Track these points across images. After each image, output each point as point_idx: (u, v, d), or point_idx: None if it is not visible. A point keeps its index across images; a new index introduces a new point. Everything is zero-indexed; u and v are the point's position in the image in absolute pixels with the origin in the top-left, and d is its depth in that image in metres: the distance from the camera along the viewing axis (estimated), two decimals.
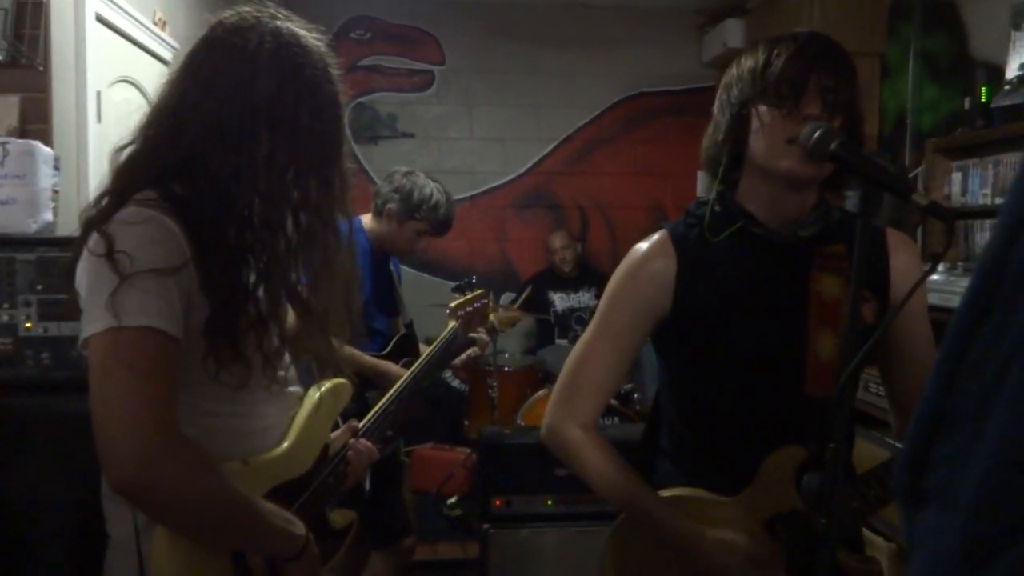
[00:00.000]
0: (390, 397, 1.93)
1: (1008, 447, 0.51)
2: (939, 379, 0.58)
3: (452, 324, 2.53)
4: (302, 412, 1.33)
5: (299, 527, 1.20)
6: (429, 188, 2.59)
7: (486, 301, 2.70)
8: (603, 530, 1.39)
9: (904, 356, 1.32)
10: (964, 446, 0.54)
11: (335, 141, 1.21)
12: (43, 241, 1.79)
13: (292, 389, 1.31)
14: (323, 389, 1.39)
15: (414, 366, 2.23)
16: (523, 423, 3.48)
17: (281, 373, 1.24)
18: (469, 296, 2.65)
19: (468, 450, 3.88)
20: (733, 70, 1.29)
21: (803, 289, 1.27)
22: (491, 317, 3.40)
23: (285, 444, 1.28)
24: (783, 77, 1.19)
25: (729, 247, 1.30)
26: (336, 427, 1.49)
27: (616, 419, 3.39)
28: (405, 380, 2.11)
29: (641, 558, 1.33)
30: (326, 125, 1.19)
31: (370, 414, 1.75)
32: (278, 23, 1.17)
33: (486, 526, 2.58)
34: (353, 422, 1.53)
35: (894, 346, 1.31)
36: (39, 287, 1.72)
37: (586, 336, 1.38)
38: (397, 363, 2.52)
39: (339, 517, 1.44)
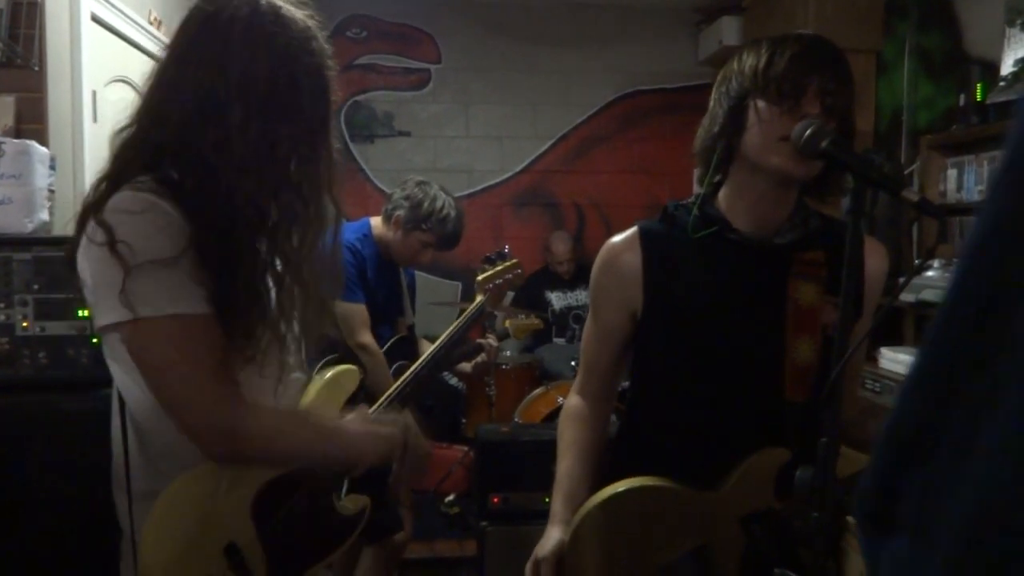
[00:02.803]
0: (406, 378, 1.91)
1: (1001, 477, 0.45)
2: (915, 399, 0.53)
3: (479, 298, 2.46)
4: (306, 398, 1.33)
5: (387, 427, 1.30)
6: (441, 200, 2.57)
7: (520, 271, 2.60)
8: None
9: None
10: (944, 474, 0.49)
11: (317, 115, 1.17)
12: (39, 241, 1.79)
13: (296, 376, 1.29)
14: (328, 375, 1.37)
15: (437, 342, 2.21)
16: (520, 421, 3.48)
17: (289, 359, 1.23)
18: (500, 267, 2.55)
19: (466, 448, 3.89)
20: (733, 65, 1.29)
21: (780, 296, 1.28)
22: (506, 324, 3.39)
23: None
24: (786, 76, 1.20)
25: (704, 249, 1.31)
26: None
27: (612, 416, 3.39)
28: (426, 358, 2.09)
29: (599, 559, 1.32)
30: (305, 98, 1.14)
31: (385, 395, 1.74)
32: None
33: (484, 524, 2.58)
34: (363, 406, 1.48)
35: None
36: (35, 287, 1.72)
37: (586, 322, 1.50)
38: (392, 364, 2.52)
39: (350, 503, 1.42)
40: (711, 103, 1.33)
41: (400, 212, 2.56)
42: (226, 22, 1.12)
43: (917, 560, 0.51)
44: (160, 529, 1.13)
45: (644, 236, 1.35)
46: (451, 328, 2.28)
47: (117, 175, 1.12)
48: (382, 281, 2.60)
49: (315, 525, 1.30)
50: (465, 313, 2.36)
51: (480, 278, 2.52)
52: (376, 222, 2.63)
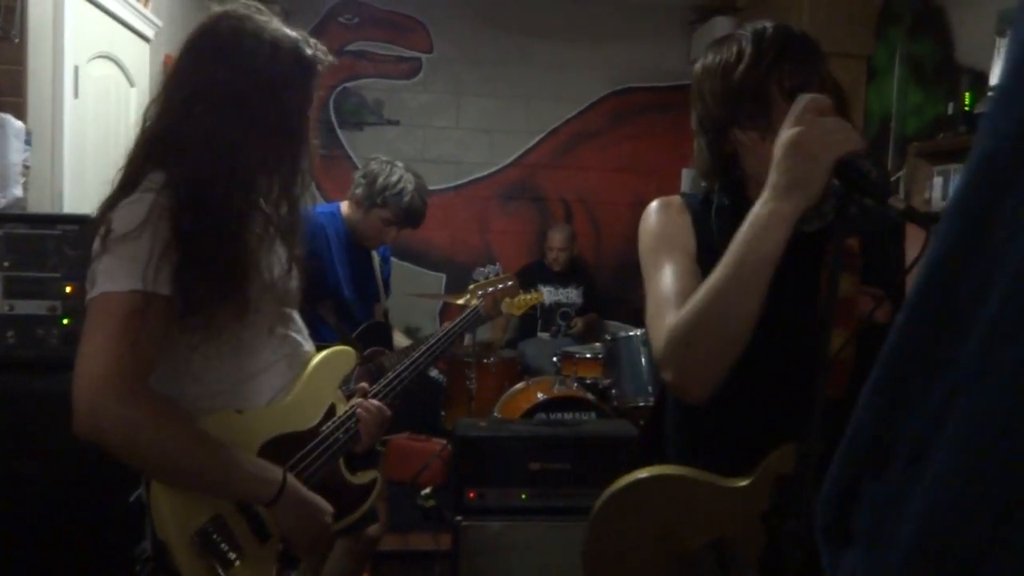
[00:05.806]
0: (407, 365, 1.91)
1: (950, 491, 0.46)
2: (873, 408, 0.52)
3: (474, 303, 2.53)
4: (304, 372, 1.44)
5: (274, 472, 1.28)
6: (397, 175, 2.56)
7: (511, 283, 2.70)
8: (576, 524, 1.40)
9: None
10: (898, 487, 0.49)
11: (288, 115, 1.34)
12: (12, 217, 1.75)
13: (306, 347, 1.45)
14: (325, 353, 1.51)
15: (435, 338, 2.21)
16: (499, 416, 3.46)
17: (294, 336, 1.40)
18: (493, 279, 2.68)
19: (444, 441, 3.87)
20: (698, 68, 1.27)
21: (811, 286, 1.24)
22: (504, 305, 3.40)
23: (287, 398, 1.40)
24: (747, 94, 1.19)
25: (733, 235, 1.28)
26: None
27: (593, 414, 3.39)
28: (423, 351, 2.09)
29: (619, 545, 1.34)
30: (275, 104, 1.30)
31: (382, 380, 1.75)
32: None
33: (459, 518, 2.57)
34: (364, 385, 1.62)
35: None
36: (6, 264, 1.69)
37: (651, 275, 1.32)
38: (364, 349, 2.51)
39: (360, 476, 1.57)
40: (693, 122, 1.30)
41: (359, 190, 2.57)
42: (220, 38, 1.27)
43: (872, 567, 0.51)
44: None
45: (689, 206, 1.34)
46: (449, 327, 2.30)
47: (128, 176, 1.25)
48: (345, 264, 2.59)
49: (325, 486, 1.42)
50: (459, 318, 2.40)
51: (471, 287, 2.60)
52: (345, 205, 2.63)
